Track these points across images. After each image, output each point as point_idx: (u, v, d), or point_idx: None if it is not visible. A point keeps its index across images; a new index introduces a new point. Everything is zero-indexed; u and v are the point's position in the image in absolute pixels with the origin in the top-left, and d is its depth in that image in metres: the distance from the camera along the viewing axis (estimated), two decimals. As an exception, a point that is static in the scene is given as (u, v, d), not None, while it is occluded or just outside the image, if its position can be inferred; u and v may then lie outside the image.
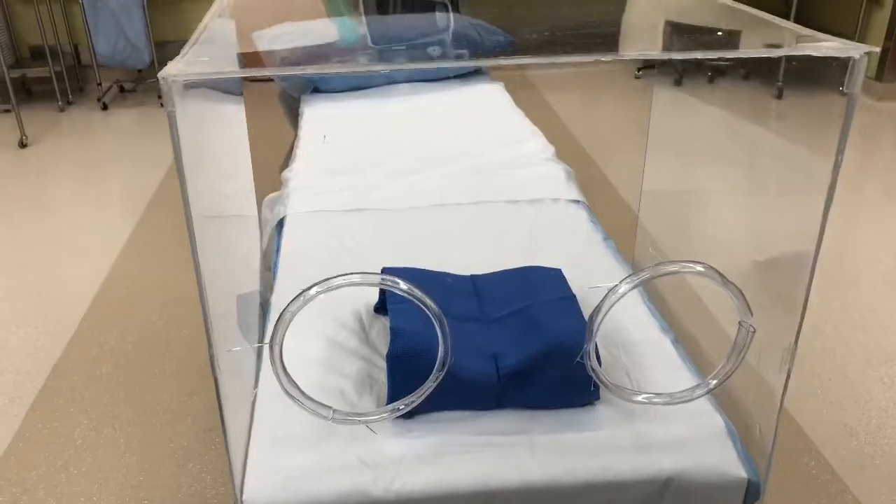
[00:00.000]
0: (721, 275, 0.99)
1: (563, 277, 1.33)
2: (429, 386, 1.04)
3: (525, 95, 4.41)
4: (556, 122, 4.11)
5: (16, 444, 1.76)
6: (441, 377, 1.04)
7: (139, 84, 4.86)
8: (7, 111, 4.28)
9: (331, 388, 1.20)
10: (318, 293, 0.96)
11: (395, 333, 1.16)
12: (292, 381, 0.99)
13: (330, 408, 1.03)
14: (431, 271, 1.37)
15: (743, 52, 0.95)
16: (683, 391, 1.10)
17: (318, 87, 2.47)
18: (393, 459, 1.08)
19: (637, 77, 4.95)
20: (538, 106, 4.32)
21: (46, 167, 3.90)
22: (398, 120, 2.27)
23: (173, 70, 0.78)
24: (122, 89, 4.84)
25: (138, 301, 2.35)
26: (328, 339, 1.31)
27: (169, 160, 3.63)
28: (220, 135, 1.31)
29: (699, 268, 1.00)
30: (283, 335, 0.96)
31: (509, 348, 1.20)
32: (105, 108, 4.57)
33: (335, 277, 0.96)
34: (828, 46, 0.87)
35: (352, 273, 0.98)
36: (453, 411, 1.17)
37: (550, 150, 2.05)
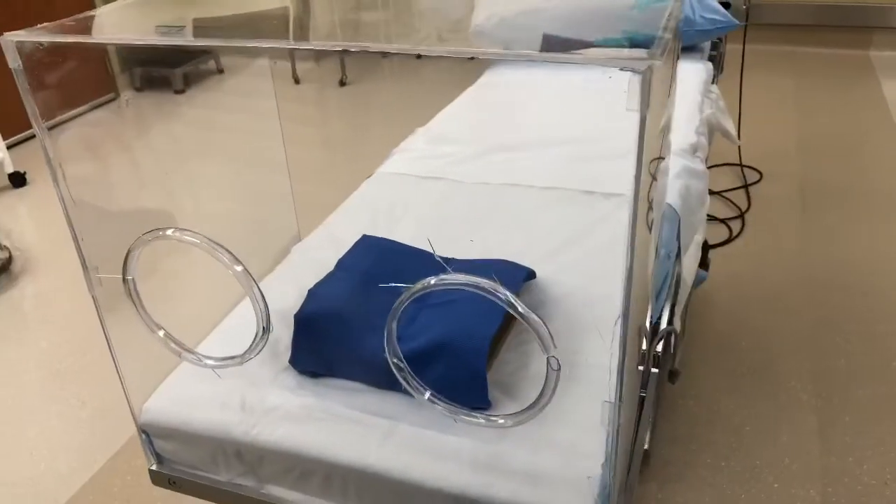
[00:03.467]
0: (519, 307, 0.89)
1: (521, 280, 1.26)
2: (258, 345, 1.10)
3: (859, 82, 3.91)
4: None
5: None
6: (266, 340, 1.09)
7: (459, 38, 5.22)
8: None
9: (272, 339, 1.30)
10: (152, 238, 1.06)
11: (308, 296, 1.23)
12: (146, 313, 1.12)
13: (191, 351, 1.15)
14: (407, 247, 1.38)
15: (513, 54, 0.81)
16: (480, 416, 1.01)
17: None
18: (265, 409, 1.17)
19: None
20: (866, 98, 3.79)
21: (358, 102, 4.45)
22: (562, 93, 2.21)
23: (14, 35, 0.94)
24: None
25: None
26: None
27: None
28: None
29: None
30: (134, 268, 1.08)
31: (418, 334, 1.19)
32: (419, 57, 4.98)
33: (166, 229, 1.05)
34: (610, 56, 0.73)
35: (185, 230, 1.06)
36: (352, 381, 1.21)
37: (687, 142, 1.85)
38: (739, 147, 3.75)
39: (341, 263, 1.31)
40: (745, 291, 2.89)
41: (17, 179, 3.62)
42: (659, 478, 2.23)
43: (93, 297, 1.10)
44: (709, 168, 3.91)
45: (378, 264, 1.32)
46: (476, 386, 1.11)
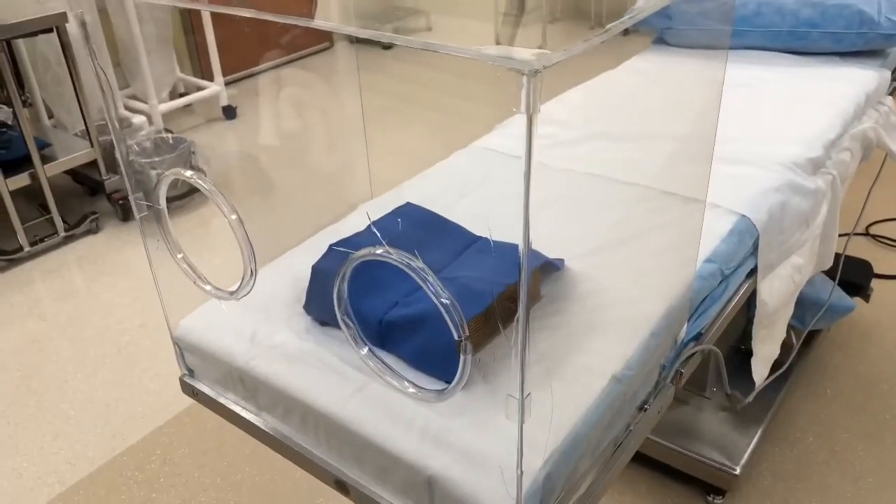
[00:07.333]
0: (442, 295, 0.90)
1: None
2: (245, 286, 1.19)
3: None
4: None
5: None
6: (253, 283, 1.18)
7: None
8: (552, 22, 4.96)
9: (304, 284, 1.39)
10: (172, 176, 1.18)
11: (328, 250, 1.31)
12: (170, 239, 1.25)
13: (206, 281, 1.27)
14: (443, 221, 1.41)
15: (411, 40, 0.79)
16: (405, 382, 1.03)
17: (663, 38, 2.37)
18: (271, 345, 1.27)
19: None
20: None
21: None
22: (710, 85, 2.08)
23: (79, 6, 1.08)
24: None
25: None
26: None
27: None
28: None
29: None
30: (162, 200, 1.21)
31: (414, 302, 1.23)
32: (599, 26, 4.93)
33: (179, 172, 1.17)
34: (501, 55, 0.72)
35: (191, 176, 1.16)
36: (351, 335, 1.28)
37: (805, 156, 1.69)
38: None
39: (373, 225, 1.38)
40: (921, 332, 2.60)
41: (229, 112, 4.04)
42: (753, 510, 2.11)
43: (139, 219, 1.25)
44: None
45: (406, 231, 1.37)
46: (448, 360, 1.13)
